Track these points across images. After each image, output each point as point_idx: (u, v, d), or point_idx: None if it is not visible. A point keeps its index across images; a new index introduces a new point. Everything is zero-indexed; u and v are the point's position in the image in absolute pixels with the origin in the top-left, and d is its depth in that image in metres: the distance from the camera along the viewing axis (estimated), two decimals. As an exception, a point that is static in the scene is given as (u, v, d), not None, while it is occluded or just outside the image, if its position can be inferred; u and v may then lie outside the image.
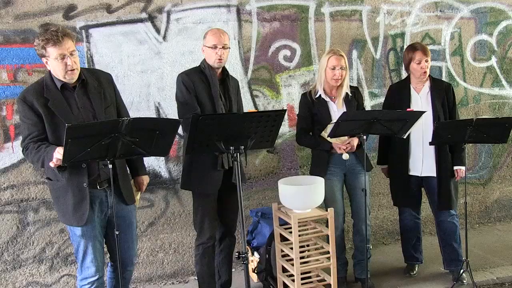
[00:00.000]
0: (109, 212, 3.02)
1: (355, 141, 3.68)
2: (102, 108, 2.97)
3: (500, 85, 5.28)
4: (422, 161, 3.90)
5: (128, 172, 3.24)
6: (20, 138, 3.81)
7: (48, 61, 2.84)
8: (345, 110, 3.76)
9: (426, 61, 3.85)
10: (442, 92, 3.93)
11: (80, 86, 2.94)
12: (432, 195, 3.96)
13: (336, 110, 3.77)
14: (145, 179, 3.33)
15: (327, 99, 3.80)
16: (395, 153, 3.99)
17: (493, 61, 5.23)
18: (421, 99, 3.93)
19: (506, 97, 5.31)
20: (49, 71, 2.90)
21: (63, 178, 2.89)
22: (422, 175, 3.92)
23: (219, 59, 3.41)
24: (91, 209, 2.94)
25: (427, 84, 3.96)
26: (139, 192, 3.34)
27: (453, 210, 3.96)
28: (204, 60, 3.50)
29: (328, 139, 3.67)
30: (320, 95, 3.79)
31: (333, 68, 3.69)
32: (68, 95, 2.91)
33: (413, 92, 3.95)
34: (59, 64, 2.80)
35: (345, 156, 3.63)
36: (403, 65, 4.11)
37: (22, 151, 2.92)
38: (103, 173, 2.94)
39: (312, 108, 3.80)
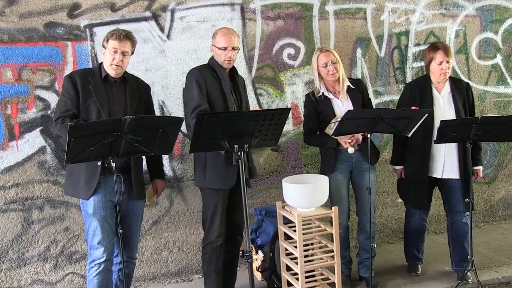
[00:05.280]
0: (121, 198, 3.19)
1: (359, 134, 3.66)
2: (134, 105, 3.24)
3: (505, 83, 5.26)
4: (444, 163, 3.84)
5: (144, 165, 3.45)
6: (25, 137, 3.92)
7: (105, 51, 3.19)
8: (350, 103, 3.77)
9: (448, 62, 3.77)
10: (462, 92, 3.88)
11: (120, 82, 3.26)
12: (453, 196, 3.89)
13: (342, 105, 3.78)
14: (162, 183, 3.56)
15: (331, 96, 3.81)
16: (414, 154, 3.91)
17: (498, 59, 5.21)
18: (443, 99, 3.87)
19: (511, 95, 5.28)
20: (100, 64, 3.27)
21: None
22: (443, 177, 3.86)
23: (229, 61, 3.48)
24: (104, 190, 3.14)
25: (448, 84, 3.89)
26: (156, 195, 3.54)
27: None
28: (213, 57, 3.55)
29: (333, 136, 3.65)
30: (322, 92, 3.80)
31: (325, 66, 3.73)
32: (108, 86, 3.23)
33: (435, 92, 3.88)
34: (110, 55, 3.15)
35: (351, 150, 3.63)
36: (424, 64, 4.02)
37: (55, 120, 3.18)
38: (118, 161, 3.04)
39: (317, 107, 3.80)
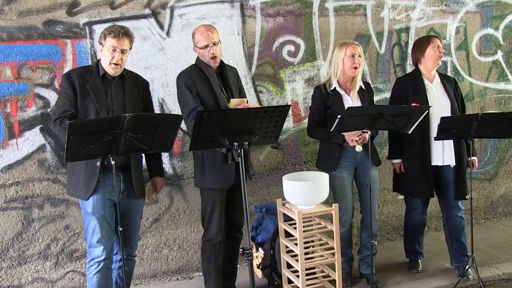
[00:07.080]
0: (121, 197, 3.17)
1: (366, 134, 3.62)
2: (132, 103, 3.22)
3: (506, 79, 5.25)
4: (443, 150, 3.87)
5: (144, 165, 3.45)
6: (25, 135, 3.91)
7: (102, 49, 3.15)
8: (360, 103, 3.77)
9: (439, 47, 3.91)
10: (452, 84, 3.99)
11: (119, 80, 3.23)
12: (448, 185, 3.92)
13: (351, 103, 3.76)
14: (162, 181, 3.54)
15: (342, 92, 3.78)
16: (413, 145, 3.89)
17: (499, 56, 5.20)
18: (435, 88, 3.93)
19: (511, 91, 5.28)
20: (98, 61, 3.25)
21: None
22: (444, 164, 3.89)
23: (213, 57, 3.45)
24: (103, 189, 3.13)
25: (437, 76, 3.98)
26: (155, 193, 3.54)
27: (462, 204, 3.96)
28: (198, 57, 3.54)
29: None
30: (335, 87, 3.78)
31: (352, 56, 3.69)
32: (106, 84, 3.20)
33: (426, 82, 3.94)
34: (109, 54, 3.11)
35: (359, 148, 3.60)
36: (412, 59, 4.07)
37: (54, 120, 3.17)
38: (118, 160, 3.03)
39: (327, 101, 3.77)
